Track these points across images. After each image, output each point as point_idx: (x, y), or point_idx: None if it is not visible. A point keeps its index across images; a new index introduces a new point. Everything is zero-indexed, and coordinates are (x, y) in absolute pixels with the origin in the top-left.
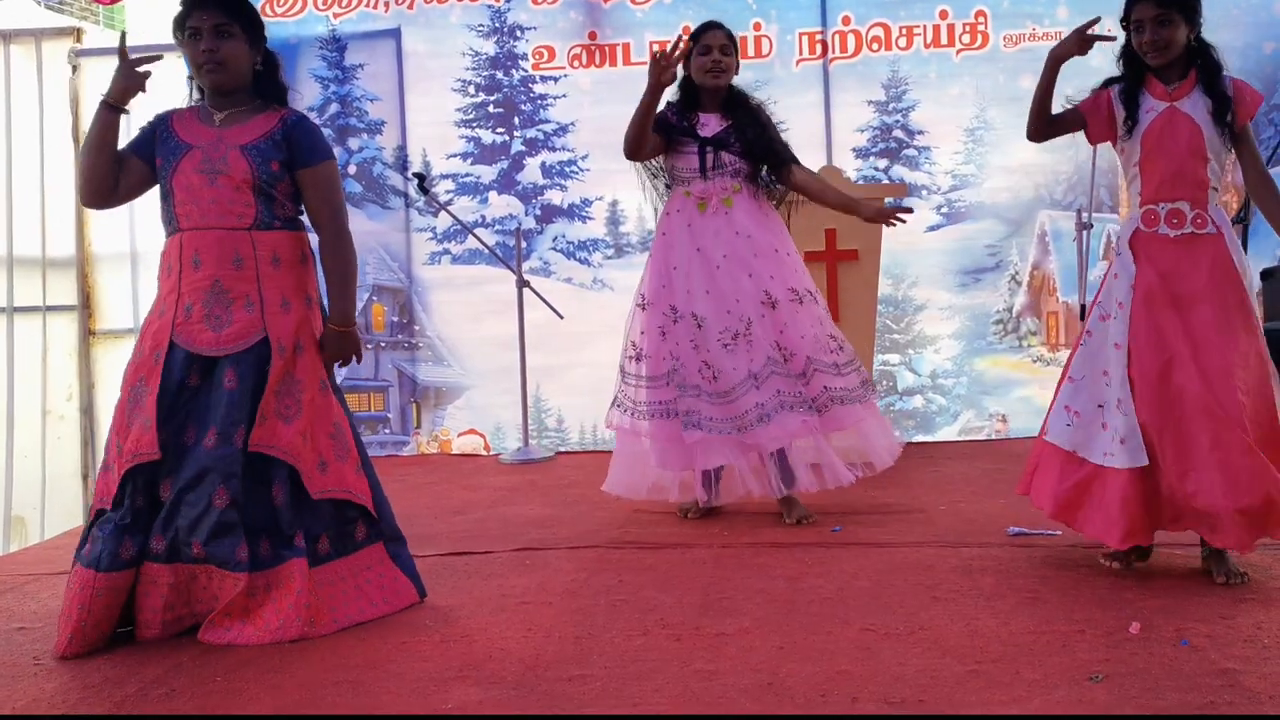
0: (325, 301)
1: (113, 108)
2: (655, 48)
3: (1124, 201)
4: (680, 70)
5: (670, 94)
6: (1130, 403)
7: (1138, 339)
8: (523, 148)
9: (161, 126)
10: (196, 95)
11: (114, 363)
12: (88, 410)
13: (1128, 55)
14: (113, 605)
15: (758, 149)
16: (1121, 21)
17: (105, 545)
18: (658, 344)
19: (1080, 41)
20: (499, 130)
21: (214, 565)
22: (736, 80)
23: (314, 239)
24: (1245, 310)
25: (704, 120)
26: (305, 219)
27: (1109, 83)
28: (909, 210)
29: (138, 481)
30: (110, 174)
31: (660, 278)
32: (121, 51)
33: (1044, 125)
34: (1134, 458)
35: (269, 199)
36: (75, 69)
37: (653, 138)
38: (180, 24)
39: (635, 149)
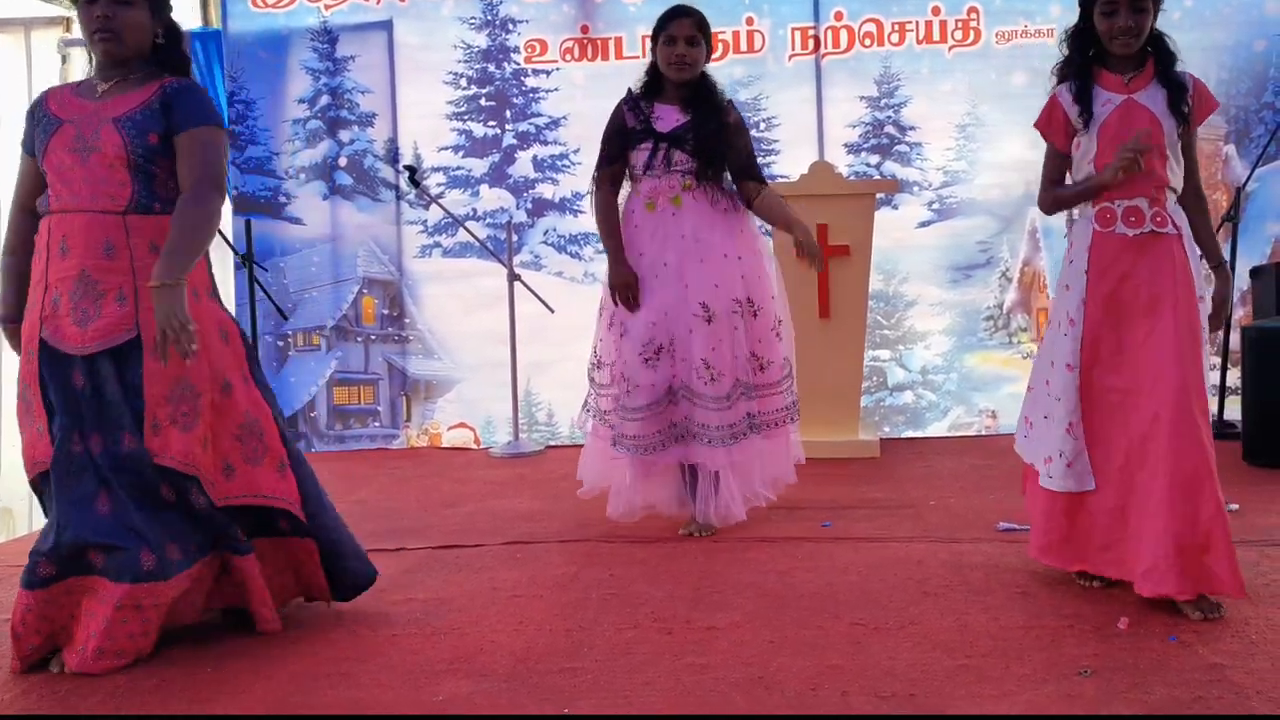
0: (214, 288)
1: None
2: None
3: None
4: (648, 55)
5: (634, 81)
6: (1080, 425)
7: (1098, 361)
8: (514, 141)
9: (38, 109)
10: (91, 64)
11: None
12: None
13: (1079, 40)
14: (40, 619)
15: (710, 147)
16: (1081, 3)
17: (29, 560)
18: (613, 350)
19: (1130, 168)
20: (490, 123)
21: (101, 576)
22: (730, 77)
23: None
24: (1198, 315)
25: (661, 113)
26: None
27: (1061, 78)
28: (817, 258)
29: (48, 490)
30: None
31: None
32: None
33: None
34: (1081, 481)
35: (148, 177)
36: (65, 59)
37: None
38: None
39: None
